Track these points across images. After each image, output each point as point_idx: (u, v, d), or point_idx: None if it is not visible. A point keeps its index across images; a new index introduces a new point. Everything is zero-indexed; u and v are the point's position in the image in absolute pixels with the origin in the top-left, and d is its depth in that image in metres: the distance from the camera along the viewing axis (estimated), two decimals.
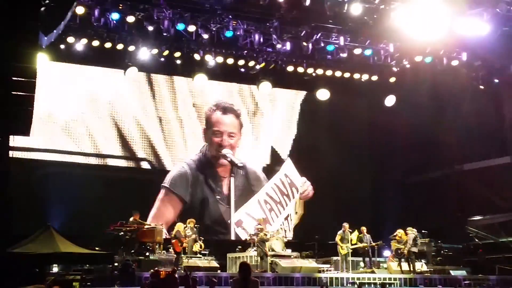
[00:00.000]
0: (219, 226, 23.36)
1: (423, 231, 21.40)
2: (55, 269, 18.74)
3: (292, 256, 19.85)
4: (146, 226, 18.67)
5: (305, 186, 23.86)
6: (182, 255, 18.45)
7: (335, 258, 20.88)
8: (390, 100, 25.00)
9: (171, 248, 18.68)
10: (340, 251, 20.42)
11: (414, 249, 20.02)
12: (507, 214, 22.82)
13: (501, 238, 22.51)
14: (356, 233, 20.79)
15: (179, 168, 22.96)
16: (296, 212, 23.58)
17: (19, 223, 20.78)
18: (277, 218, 23.17)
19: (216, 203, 23.33)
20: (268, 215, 23.11)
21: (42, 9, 15.34)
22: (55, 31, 17.25)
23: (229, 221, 23.27)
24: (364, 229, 21.17)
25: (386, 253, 22.15)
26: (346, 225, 20.70)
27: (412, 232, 20.44)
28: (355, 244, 20.70)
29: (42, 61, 17.86)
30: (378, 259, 21.42)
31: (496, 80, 23.45)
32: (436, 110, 24.13)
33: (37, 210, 21.39)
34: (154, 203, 22.24)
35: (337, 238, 20.53)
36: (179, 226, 19.09)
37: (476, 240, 22.58)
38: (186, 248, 18.91)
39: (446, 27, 19.26)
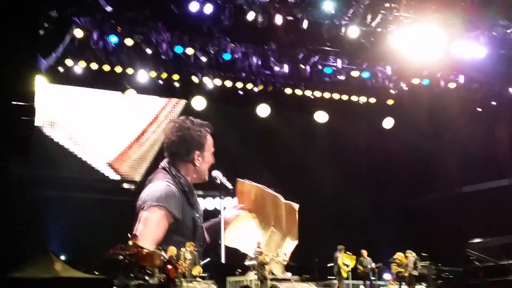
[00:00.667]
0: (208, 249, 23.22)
1: (422, 254, 21.16)
2: None
3: (292, 280, 19.71)
4: (145, 250, 18.54)
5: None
6: (180, 280, 18.29)
7: (335, 281, 20.73)
8: (388, 123, 25.01)
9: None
10: (343, 274, 20.29)
11: (415, 272, 19.85)
12: (507, 236, 22.71)
13: (502, 261, 22.35)
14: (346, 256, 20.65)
15: (164, 186, 22.93)
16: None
17: (17, 247, 20.79)
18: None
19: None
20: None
21: (41, 32, 15.44)
22: (54, 54, 17.35)
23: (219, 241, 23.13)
24: (364, 252, 20.98)
25: (387, 276, 22.00)
26: (342, 247, 20.62)
27: (411, 255, 20.32)
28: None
29: (41, 84, 17.87)
30: (378, 282, 21.28)
31: (494, 103, 23.51)
32: (434, 132, 24.16)
33: (35, 234, 21.30)
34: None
35: (340, 261, 20.40)
36: (172, 251, 18.93)
37: (477, 263, 22.39)
38: (186, 273, 18.75)
39: (443, 49, 19.32)
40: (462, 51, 19.52)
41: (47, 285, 17.31)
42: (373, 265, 20.95)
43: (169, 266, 18.26)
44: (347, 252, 20.83)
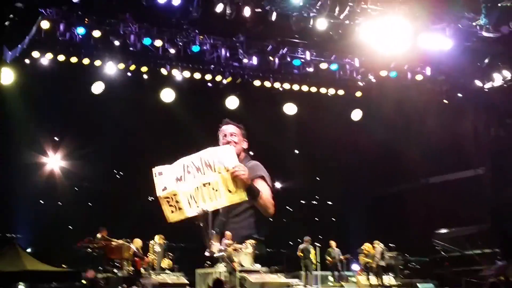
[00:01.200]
0: None
1: (390, 244, 21.55)
2: (21, 287, 18.46)
3: (261, 271, 19.79)
4: (113, 243, 18.48)
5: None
6: (148, 273, 18.27)
7: (303, 272, 20.90)
8: (356, 114, 25.18)
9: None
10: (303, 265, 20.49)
11: (382, 263, 20.15)
12: (472, 227, 23.11)
13: (467, 250, 22.76)
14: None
15: None
16: (229, 190, 22.84)
17: None
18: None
19: None
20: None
21: (7, 23, 15.24)
22: (19, 45, 17.14)
23: None
24: (333, 243, 21.29)
25: (355, 267, 22.26)
26: (308, 239, 20.83)
27: (379, 245, 20.59)
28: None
29: (7, 76, 17.66)
30: (346, 273, 21.51)
31: (460, 95, 23.83)
32: (402, 124, 24.38)
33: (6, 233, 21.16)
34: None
35: (299, 252, 20.61)
36: (137, 243, 18.92)
37: (443, 253, 22.80)
38: (154, 265, 18.76)
39: (410, 42, 19.49)
40: (428, 44, 19.70)
41: (14, 279, 17.19)
42: (341, 256, 21.29)
43: (136, 258, 18.27)
44: (315, 244, 21.17)
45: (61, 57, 20.31)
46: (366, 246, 20.96)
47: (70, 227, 23.01)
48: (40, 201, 23.17)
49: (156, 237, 19.37)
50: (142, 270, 18.06)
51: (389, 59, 21.69)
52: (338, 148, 27.44)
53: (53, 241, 21.85)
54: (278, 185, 26.63)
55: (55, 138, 23.39)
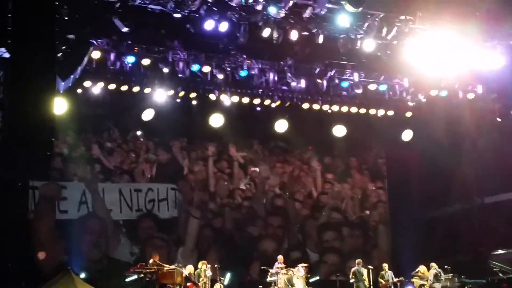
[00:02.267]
0: None
1: (445, 266, 21.11)
2: None
3: None
4: (165, 268, 18.59)
5: None
6: None
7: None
8: (407, 135, 24.94)
9: None
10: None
11: (437, 285, 19.79)
12: None
13: None
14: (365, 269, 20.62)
15: None
16: None
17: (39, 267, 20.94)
18: None
19: None
20: None
21: (59, 54, 15.59)
22: (72, 76, 17.50)
23: None
24: (385, 265, 21.02)
25: None
26: (359, 261, 20.63)
27: (433, 268, 20.24)
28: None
29: (60, 106, 18.01)
30: None
31: None
32: (454, 143, 24.01)
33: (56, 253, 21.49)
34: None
35: (351, 275, 20.38)
36: (188, 268, 19.03)
37: (501, 275, 22.18)
38: None
39: (460, 60, 19.27)
40: (479, 62, 19.45)
41: None
42: (395, 279, 20.95)
43: (189, 284, 18.33)
44: (368, 266, 20.90)
45: (112, 86, 20.72)
46: (421, 269, 20.63)
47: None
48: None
49: (200, 264, 19.46)
50: None
51: (439, 78, 21.44)
52: (388, 170, 27.15)
53: (104, 267, 22.15)
54: (328, 208, 26.48)
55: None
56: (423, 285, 20.00)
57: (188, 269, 19.00)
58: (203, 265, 19.31)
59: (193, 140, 25.03)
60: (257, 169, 25.77)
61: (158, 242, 23.23)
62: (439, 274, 20.06)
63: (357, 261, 20.73)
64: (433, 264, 20.39)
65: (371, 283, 20.62)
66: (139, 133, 24.10)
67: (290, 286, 18.72)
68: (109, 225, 23.01)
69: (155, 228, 23.68)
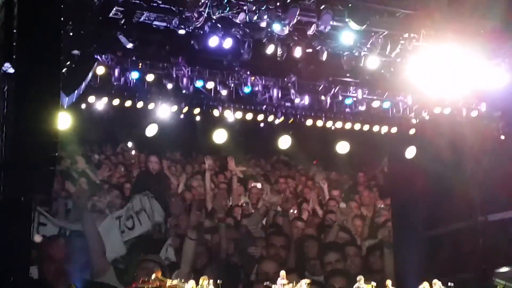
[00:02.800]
0: None
1: (449, 284, 21.00)
2: None
3: None
4: (168, 284, 18.53)
5: None
6: None
7: None
8: (410, 152, 24.91)
9: None
10: None
11: None
12: None
13: None
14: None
15: None
16: None
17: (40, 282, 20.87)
18: None
19: None
20: None
21: (64, 70, 15.64)
22: (76, 91, 17.53)
23: None
24: (389, 282, 20.92)
25: None
26: (361, 277, 20.55)
27: (436, 285, 20.17)
28: None
29: (64, 121, 18.05)
30: None
31: None
32: (457, 161, 23.97)
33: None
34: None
35: None
36: (192, 284, 18.93)
37: None
38: None
39: (464, 78, 19.27)
40: (483, 80, 19.45)
41: None
42: None
43: None
44: (372, 282, 20.80)
45: (116, 101, 20.79)
46: (425, 285, 20.55)
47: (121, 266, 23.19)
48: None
49: (201, 279, 19.36)
50: None
51: (443, 96, 21.42)
52: (392, 187, 27.11)
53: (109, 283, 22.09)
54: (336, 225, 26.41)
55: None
56: None
57: (191, 285, 18.91)
58: (204, 281, 19.20)
59: (195, 154, 25.00)
60: (258, 185, 25.68)
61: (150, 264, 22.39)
62: None
63: (358, 277, 20.64)
64: (436, 281, 20.30)
65: None
66: (130, 145, 24.08)
67: None
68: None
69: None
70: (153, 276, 18.45)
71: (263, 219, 25.27)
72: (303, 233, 25.74)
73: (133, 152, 24.24)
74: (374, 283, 20.83)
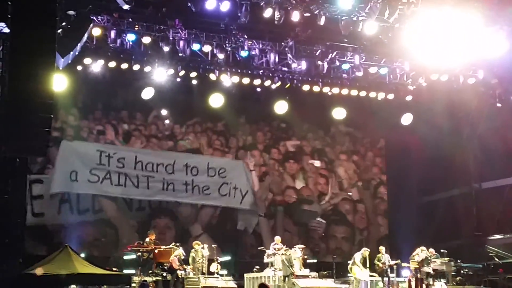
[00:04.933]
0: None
1: (442, 250, 21.18)
2: None
3: (310, 276, 19.71)
4: (163, 247, 18.63)
5: None
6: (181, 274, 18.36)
7: (353, 278, 20.71)
8: (406, 119, 24.92)
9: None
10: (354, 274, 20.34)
11: (427, 269, 19.96)
12: None
13: None
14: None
15: None
16: None
17: (36, 244, 21.01)
18: None
19: None
20: None
21: (59, 31, 15.51)
22: (71, 52, 17.42)
23: None
24: (382, 248, 21.04)
25: (405, 272, 21.95)
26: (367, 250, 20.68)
27: (424, 251, 20.36)
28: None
29: (60, 82, 17.98)
30: (397, 279, 21.22)
31: None
32: (453, 128, 24.02)
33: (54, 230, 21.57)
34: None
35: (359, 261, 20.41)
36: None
37: (497, 260, 22.25)
38: (203, 268, 18.88)
39: (462, 45, 19.18)
40: (481, 46, 19.36)
41: (66, 281, 17.46)
42: (391, 261, 20.99)
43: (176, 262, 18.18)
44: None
45: (112, 64, 20.63)
46: (418, 251, 20.72)
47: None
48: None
49: (194, 244, 19.45)
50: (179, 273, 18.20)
51: (441, 63, 21.33)
52: (387, 153, 27.18)
53: (102, 244, 22.27)
54: (329, 190, 26.56)
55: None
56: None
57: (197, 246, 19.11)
58: (197, 245, 19.27)
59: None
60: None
61: None
62: (429, 258, 20.17)
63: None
64: (423, 248, 20.47)
65: (363, 257, 20.65)
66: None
67: (290, 266, 18.77)
68: None
69: None
70: (147, 239, 18.52)
71: None
72: None
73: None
74: (368, 250, 20.94)
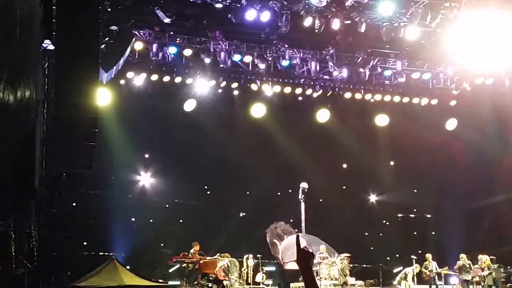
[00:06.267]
0: None
1: (491, 256, 20.81)
2: None
3: (356, 285, 19.56)
4: (208, 257, 18.70)
5: None
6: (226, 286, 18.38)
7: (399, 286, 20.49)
8: (451, 124, 24.61)
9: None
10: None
11: (466, 277, 19.75)
12: None
13: None
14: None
15: None
16: None
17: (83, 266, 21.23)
18: None
19: None
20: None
21: (102, 46, 15.75)
22: (115, 67, 17.67)
23: None
24: (429, 256, 20.80)
25: (453, 280, 21.64)
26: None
27: (462, 259, 20.12)
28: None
29: (104, 97, 18.22)
30: (445, 286, 20.94)
31: None
32: (499, 132, 23.62)
33: (100, 242, 21.81)
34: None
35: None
36: (226, 256, 19.02)
37: None
38: (249, 278, 18.90)
39: (507, 47, 18.84)
40: None
41: None
42: (439, 269, 20.73)
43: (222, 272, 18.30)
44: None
45: (154, 77, 20.84)
46: (463, 257, 20.47)
47: (162, 244, 23.42)
48: (132, 218, 23.59)
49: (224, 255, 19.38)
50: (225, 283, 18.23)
51: (485, 66, 20.98)
52: (433, 159, 26.83)
53: (147, 258, 22.37)
54: (373, 198, 26.36)
55: (146, 155, 23.84)
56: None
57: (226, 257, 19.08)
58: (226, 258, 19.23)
59: None
60: None
61: None
62: (467, 266, 19.92)
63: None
64: (463, 256, 20.19)
65: (415, 273, 20.42)
66: None
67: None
68: None
69: None
70: (192, 250, 18.62)
71: None
72: None
73: None
74: (414, 257, 20.71)
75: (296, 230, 4.71)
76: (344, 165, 26.12)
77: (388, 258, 24.88)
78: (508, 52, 18.93)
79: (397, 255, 23.93)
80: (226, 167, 24.18)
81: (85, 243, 22.12)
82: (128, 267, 20.08)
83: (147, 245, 22.68)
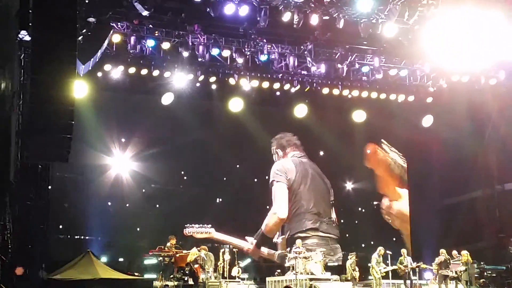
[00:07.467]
0: None
1: (465, 252, 21.02)
2: None
3: (331, 280, 19.66)
4: (184, 251, 18.70)
5: None
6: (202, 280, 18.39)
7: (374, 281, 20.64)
8: (427, 120, 24.80)
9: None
10: (374, 275, 20.29)
11: (445, 272, 19.94)
12: None
13: None
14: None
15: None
16: None
17: (59, 249, 21.14)
18: None
19: None
20: None
21: (79, 38, 15.66)
22: (92, 59, 17.56)
23: None
24: (404, 251, 20.97)
25: (427, 275, 21.85)
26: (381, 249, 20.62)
27: (443, 254, 20.30)
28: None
29: (81, 89, 18.10)
30: (419, 281, 21.12)
31: None
32: (475, 129, 23.83)
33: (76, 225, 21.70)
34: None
35: (374, 262, 20.38)
36: (204, 249, 19.00)
37: None
38: (225, 272, 18.92)
39: (483, 45, 19.02)
40: (502, 47, 19.18)
41: (88, 286, 17.61)
42: (413, 264, 20.91)
43: (196, 266, 18.45)
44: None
45: (132, 69, 20.73)
46: (442, 253, 20.65)
47: (138, 229, 23.31)
48: (108, 202, 23.49)
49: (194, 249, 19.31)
50: (201, 277, 18.25)
51: (461, 64, 21.16)
52: (408, 155, 27.01)
53: (122, 245, 22.29)
54: (349, 186, 26.42)
55: (123, 139, 23.64)
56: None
57: (203, 249, 19.05)
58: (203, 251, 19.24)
59: None
60: None
61: None
62: (448, 261, 20.12)
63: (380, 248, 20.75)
64: (443, 251, 20.38)
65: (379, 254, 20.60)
66: None
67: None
68: None
69: None
70: (168, 243, 18.60)
71: None
72: None
73: None
74: (389, 252, 20.88)
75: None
76: (321, 152, 26.10)
77: (363, 245, 25.00)
78: (484, 50, 19.12)
79: (372, 242, 24.00)
80: (204, 158, 24.10)
81: (60, 226, 21.87)
82: (103, 259, 20.03)
83: (123, 230, 22.49)
